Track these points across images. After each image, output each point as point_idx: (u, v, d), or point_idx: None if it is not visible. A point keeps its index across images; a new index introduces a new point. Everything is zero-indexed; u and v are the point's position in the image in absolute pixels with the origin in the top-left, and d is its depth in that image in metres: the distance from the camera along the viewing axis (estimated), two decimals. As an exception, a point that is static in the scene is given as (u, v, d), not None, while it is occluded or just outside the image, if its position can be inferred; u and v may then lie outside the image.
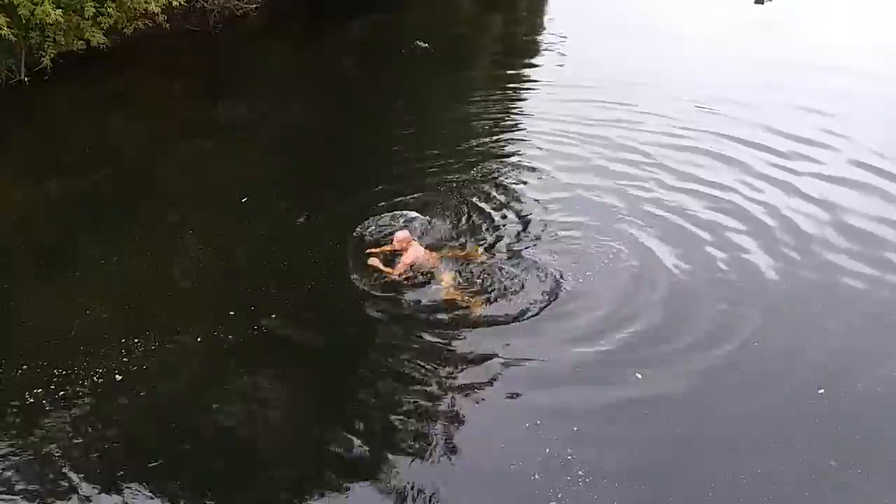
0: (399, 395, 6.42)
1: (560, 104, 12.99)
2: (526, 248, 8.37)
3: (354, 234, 8.59)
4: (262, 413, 6.22)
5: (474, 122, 12.40)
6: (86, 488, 5.47)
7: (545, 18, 19.55)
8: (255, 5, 18.28)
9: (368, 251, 8.03)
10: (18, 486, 5.54)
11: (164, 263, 8.28)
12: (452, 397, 6.35)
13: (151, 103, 14.21)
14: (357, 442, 5.88)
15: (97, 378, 6.49)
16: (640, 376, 6.51)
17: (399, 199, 9.38)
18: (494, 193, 9.68)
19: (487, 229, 8.82)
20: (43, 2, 12.67)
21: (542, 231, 8.75)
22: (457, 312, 7.35)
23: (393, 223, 8.72)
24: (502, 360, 6.72)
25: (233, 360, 6.81)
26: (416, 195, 9.51)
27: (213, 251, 8.49)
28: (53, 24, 13.30)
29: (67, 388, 6.39)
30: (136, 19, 14.95)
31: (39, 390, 6.37)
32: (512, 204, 9.48)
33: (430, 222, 8.80)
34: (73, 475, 5.58)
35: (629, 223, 8.94)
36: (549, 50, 16.65)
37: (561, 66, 15.43)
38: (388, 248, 8.06)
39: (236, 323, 7.18)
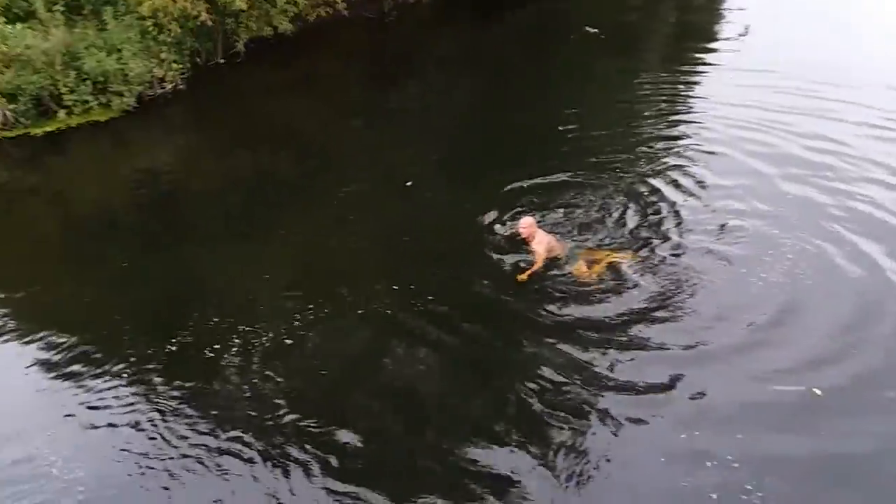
0: (548, 412, 5.96)
1: (738, 90, 12.18)
2: (700, 248, 7.74)
3: (481, 222, 8.57)
4: (415, 385, 6.46)
5: (644, 108, 11.98)
6: (246, 438, 5.99)
7: (723, 3, 18.39)
8: (428, -8, 18.81)
9: (519, 277, 7.49)
10: (187, 428, 6.17)
11: (335, 237, 8.82)
12: (611, 425, 5.78)
13: (329, 86, 15.08)
14: (501, 444, 5.72)
15: (269, 339, 7.05)
16: (818, 392, 5.75)
17: (560, 182, 9.27)
18: (661, 182, 9.21)
19: (644, 224, 8.31)
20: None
21: (721, 228, 8.01)
22: (592, 310, 7.02)
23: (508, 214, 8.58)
24: (673, 391, 6.00)
25: (392, 331, 7.11)
26: (577, 180, 9.34)
27: (379, 229, 8.91)
28: (245, 11, 14.52)
29: (243, 345, 7.01)
30: (319, 7, 15.93)
31: (218, 346, 7.03)
32: (682, 194, 8.92)
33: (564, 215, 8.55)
34: (236, 427, 6.11)
35: (839, 223, 7.86)
36: (727, 36, 15.73)
37: (738, 51, 14.48)
38: (514, 234, 7.82)
39: (397, 298, 7.51)
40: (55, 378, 6.96)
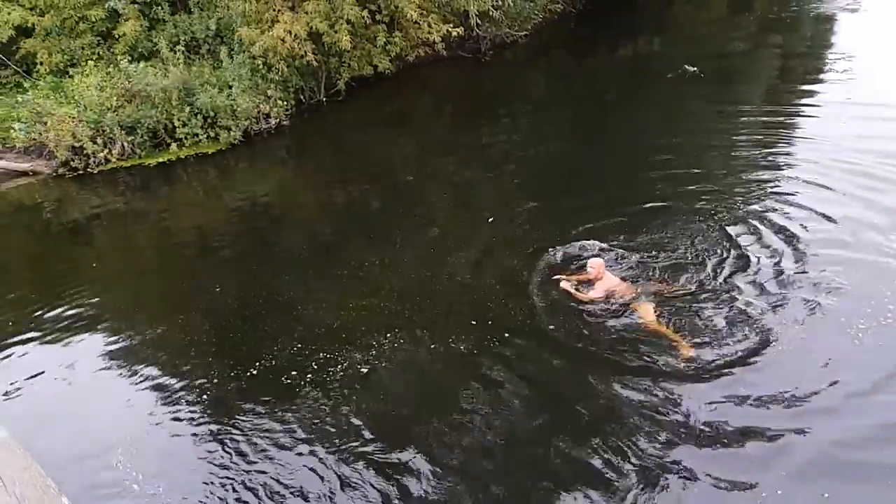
0: (628, 460, 5.74)
1: (843, 129, 11.35)
2: (794, 298, 7.27)
3: (544, 260, 8.47)
4: (491, 420, 6.37)
5: (743, 146, 11.45)
6: (322, 459, 6.11)
7: (831, 40, 17.55)
8: (524, 33, 19.03)
9: (557, 276, 7.87)
10: (266, 448, 6.34)
11: (417, 270, 8.93)
12: (670, 468, 5.60)
13: (424, 122, 15.46)
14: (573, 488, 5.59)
15: (346, 368, 7.18)
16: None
17: (648, 221, 9.03)
18: (756, 224, 8.75)
19: (733, 269, 7.88)
20: (341, 30, 14.47)
21: (818, 276, 7.53)
22: (665, 356, 6.75)
23: (582, 253, 8.40)
24: (753, 447, 5.67)
25: (469, 366, 7.07)
26: (666, 220, 9.04)
27: (460, 263, 8.92)
28: (349, 52, 15.18)
29: (322, 372, 7.17)
30: (418, 47, 16.42)
31: (297, 371, 7.23)
32: (778, 237, 8.43)
33: (623, 254, 8.33)
34: (313, 450, 6.24)
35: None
36: (834, 76, 14.89)
37: (843, 91, 13.61)
38: (583, 275, 7.83)
39: (474, 333, 7.48)
40: (141, 392, 7.36)
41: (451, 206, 10.98)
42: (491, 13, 16.98)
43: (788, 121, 12.38)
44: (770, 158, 10.83)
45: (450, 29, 15.80)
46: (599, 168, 11.44)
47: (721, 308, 7.22)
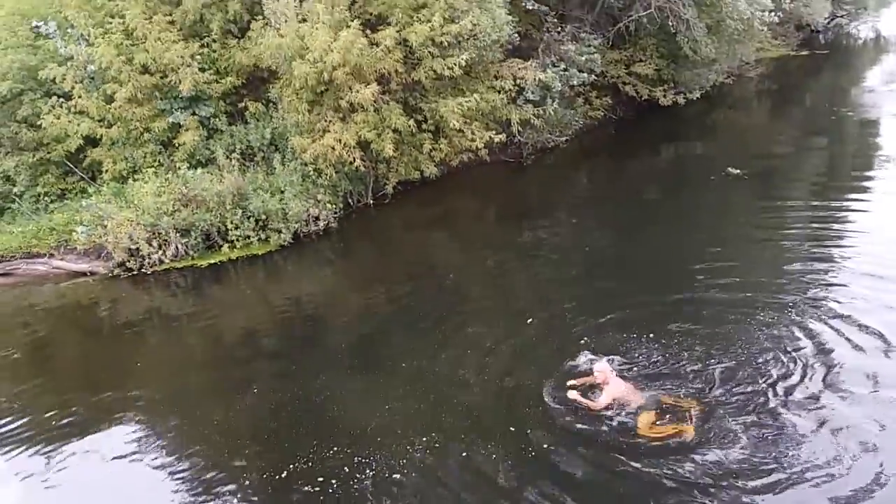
0: None
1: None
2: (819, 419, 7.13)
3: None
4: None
5: (789, 248, 11.35)
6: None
7: (877, 142, 17.46)
8: (565, 138, 19.52)
9: (570, 383, 7.88)
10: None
11: (453, 372, 8.88)
12: None
13: (467, 224, 15.74)
14: None
15: (378, 473, 7.08)
16: None
17: (679, 325, 8.89)
18: (791, 336, 8.55)
19: (752, 384, 7.74)
20: (385, 139, 15.10)
21: (848, 394, 7.34)
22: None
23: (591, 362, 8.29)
24: None
25: (498, 476, 6.88)
26: (699, 326, 8.89)
27: (499, 366, 8.85)
28: (395, 157, 15.77)
29: (351, 478, 7.08)
30: (462, 153, 16.97)
31: (324, 477, 7.17)
32: (809, 348, 8.27)
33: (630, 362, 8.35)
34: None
35: None
36: (882, 174, 14.73)
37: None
38: (589, 379, 7.86)
39: (511, 441, 7.32)
40: (170, 488, 7.41)
41: (491, 305, 11.02)
42: (532, 121, 17.53)
43: (837, 215, 12.28)
44: (818, 251, 10.70)
45: (492, 136, 16.34)
46: (640, 270, 11.39)
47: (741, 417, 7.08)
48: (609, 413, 7.42)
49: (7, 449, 8.56)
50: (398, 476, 6.98)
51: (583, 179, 18.39)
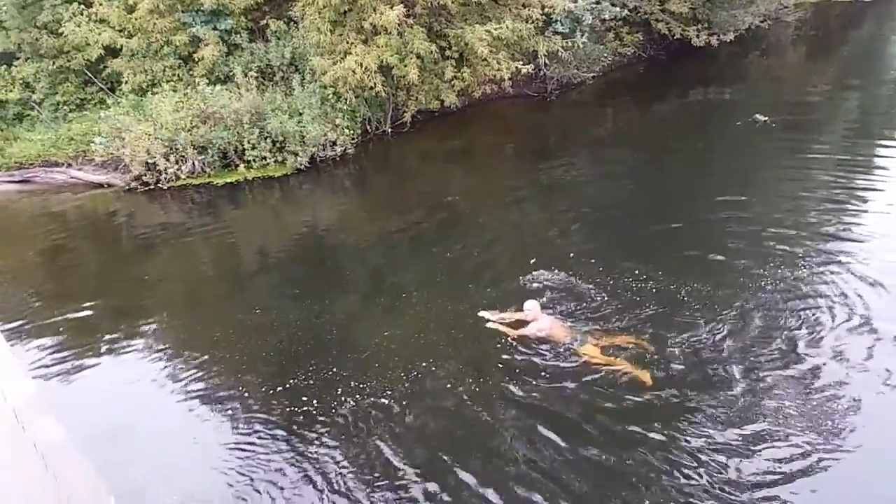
0: None
1: None
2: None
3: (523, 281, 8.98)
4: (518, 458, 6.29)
5: (808, 208, 11.09)
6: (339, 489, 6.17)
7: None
8: (592, 75, 19.05)
9: (482, 313, 8.27)
10: (287, 471, 6.44)
11: (454, 303, 8.89)
12: None
13: (485, 158, 15.52)
14: None
15: (374, 397, 7.23)
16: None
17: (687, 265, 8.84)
18: (801, 294, 8.33)
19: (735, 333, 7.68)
20: (409, 64, 14.79)
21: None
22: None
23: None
24: None
25: (499, 407, 7.02)
26: (704, 280, 8.77)
27: (496, 298, 8.84)
28: (417, 85, 15.47)
29: (349, 401, 7.23)
30: (484, 84, 16.59)
31: (323, 396, 7.36)
32: (820, 313, 7.99)
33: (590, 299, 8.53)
34: (335, 482, 6.29)
35: None
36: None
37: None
38: (516, 315, 8.16)
39: (505, 370, 7.43)
40: (168, 398, 7.67)
41: (499, 240, 10.95)
42: (560, 54, 17.06)
43: (862, 170, 12.00)
44: (839, 208, 10.49)
45: (519, 66, 15.93)
46: (657, 211, 11.22)
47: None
48: (542, 347, 7.71)
49: (23, 346, 8.83)
50: (385, 401, 7.15)
51: (607, 118, 17.98)
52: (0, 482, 3.41)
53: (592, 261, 9.50)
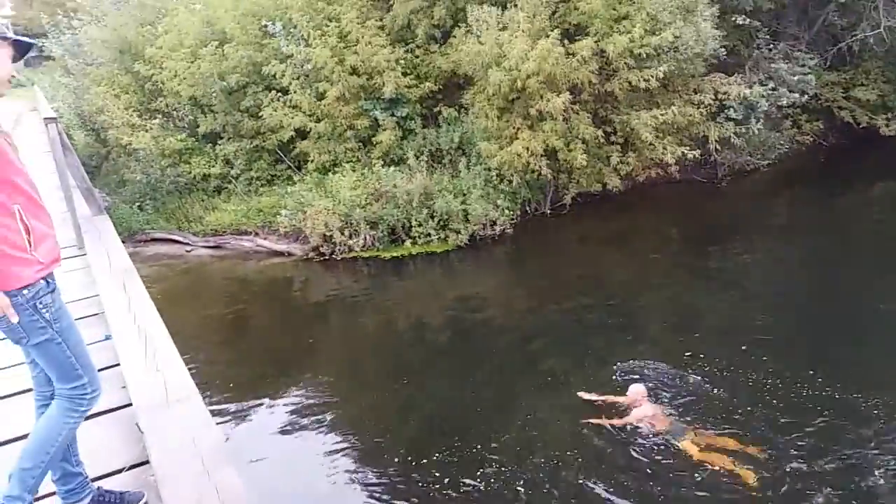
0: None
1: None
2: None
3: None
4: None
5: None
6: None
7: None
8: (766, 162, 18.25)
9: (585, 397, 8.25)
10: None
11: (593, 389, 8.67)
12: None
13: (647, 243, 15.18)
14: None
15: (508, 481, 7.07)
16: None
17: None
18: None
19: None
20: (575, 149, 15.01)
21: None
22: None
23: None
24: None
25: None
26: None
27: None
28: (580, 169, 15.63)
29: (482, 480, 7.14)
30: (649, 168, 16.44)
31: (450, 477, 7.27)
32: None
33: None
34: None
35: None
36: None
37: None
38: (619, 398, 8.06)
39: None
40: (307, 449, 8.13)
41: (661, 329, 10.56)
42: (732, 139, 16.58)
43: None
44: None
45: (685, 151, 15.66)
46: (837, 319, 10.35)
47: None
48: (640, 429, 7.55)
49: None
50: (518, 485, 7.03)
51: (784, 209, 17.05)
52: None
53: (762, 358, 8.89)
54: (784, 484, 6.62)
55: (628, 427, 7.65)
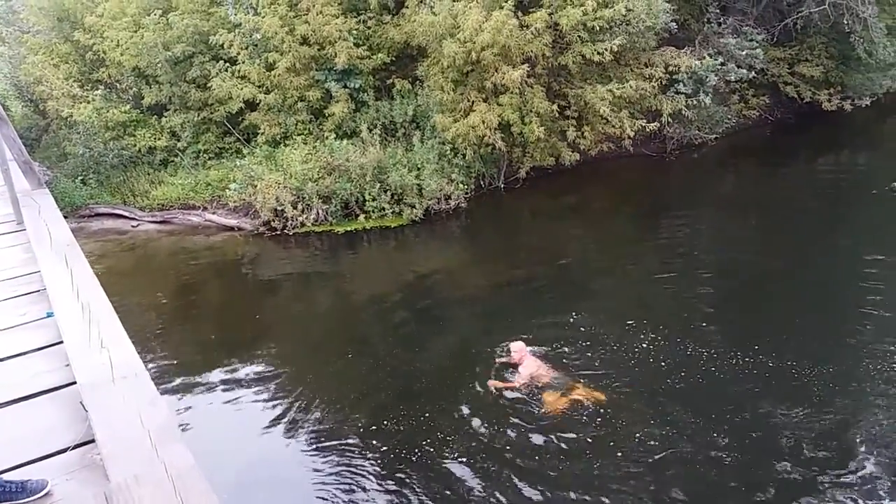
0: None
1: None
2: None
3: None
4: None
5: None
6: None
7: None
8: (714, 136, 18.58)
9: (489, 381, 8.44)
10: None
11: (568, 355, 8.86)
12: None
13: (600, 215, 15.40)
14: None
15: (467, 449, 7.23)
16: None
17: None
18: None
19: None
20: (532, 122, 15.03)
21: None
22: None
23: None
24: None
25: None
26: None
27: (615, 366, 8.67)
28: (534, 142, 15.66)
29: (429, 448, 7.25)
30: (602, 142, 16.58)
31: (403, 444, 7.37)
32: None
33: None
34: None
35: None
36: None
37: None
38: (505, 359, 8.65)
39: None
40: (270, 433, 8.04)
41: (616, 300, 10.77)
42: (683, 112, 16.82)
43: None
44: None
45: (643, 125, 15.83)
46: (774, 283, 10.69)
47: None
48: (525, 390, 8.12)
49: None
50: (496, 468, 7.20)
51: (730, 182, 17.44)
52: (137, 500, 3.59)
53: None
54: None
55: (524, 388, 8.15)
